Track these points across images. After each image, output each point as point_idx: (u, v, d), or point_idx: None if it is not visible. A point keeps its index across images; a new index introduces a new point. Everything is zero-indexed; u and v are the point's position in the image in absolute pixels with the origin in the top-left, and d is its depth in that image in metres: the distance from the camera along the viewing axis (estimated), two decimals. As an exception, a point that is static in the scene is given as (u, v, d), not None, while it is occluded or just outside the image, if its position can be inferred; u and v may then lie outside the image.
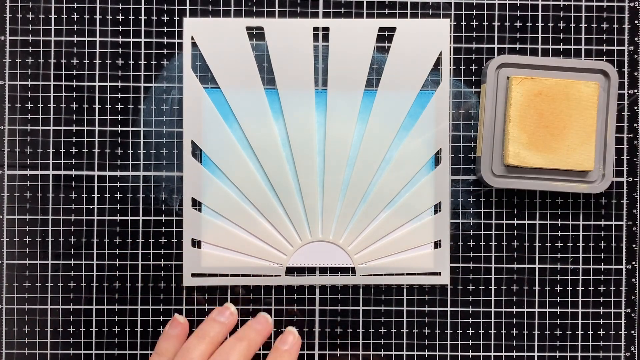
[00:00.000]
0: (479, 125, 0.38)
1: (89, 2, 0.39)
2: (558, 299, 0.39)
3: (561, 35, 0.39)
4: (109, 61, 0.39)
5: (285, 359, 0.36)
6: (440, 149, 0.39)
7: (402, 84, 0.39)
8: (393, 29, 0.39)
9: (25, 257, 0.39)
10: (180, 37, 0.39)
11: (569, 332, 0.39)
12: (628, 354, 0.39)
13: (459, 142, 0.39)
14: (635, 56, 0.39)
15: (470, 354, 0.39)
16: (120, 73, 0.39)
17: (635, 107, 0.39)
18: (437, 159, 0.39)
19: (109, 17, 0.39)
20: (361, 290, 0.39)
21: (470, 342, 0.39)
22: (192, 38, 0.39)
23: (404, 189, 0.39)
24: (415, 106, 0.39)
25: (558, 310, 0.39)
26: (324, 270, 0.39)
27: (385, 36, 0.39)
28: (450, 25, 0.39)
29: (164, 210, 0.39)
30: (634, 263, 0.39)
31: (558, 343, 0.39)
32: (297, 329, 0.39)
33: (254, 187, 0.39)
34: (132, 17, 0.39)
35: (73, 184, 0.39)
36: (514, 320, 0.39)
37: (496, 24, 0.39)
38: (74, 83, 0.39)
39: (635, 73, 0.39)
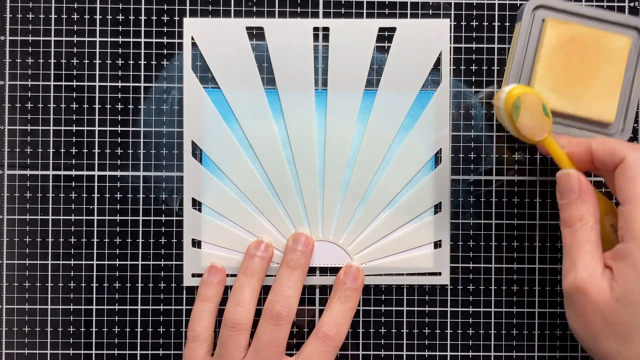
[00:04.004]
0: (507, 64, 0.38)
1: (89, 2, 0.39)
2: (558, 299, 0.39)
3: (561, 35, 0.39)
4: (109, 61, 0.39)
5: (355, 297, 0.37)
6: (441, 149, 0.39)
7: (402, 84, 0.39)
8: (393, 29, 0.39)
9: (25, 257, 0.39)
10: (180, 37, 0.39)
11: (569, 332, 0.39)
12: (628, 354, 0.39)
13: (459, 142, 0.39)
14: None
15: (470, 354, 0.39)
16: (120, 73, 0.39)
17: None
18: (437, 159, 0.39)
19: (109, 17, 0.39)
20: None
21: (470, 342, 0.39)
22: (192, 38, 0.39)
23: (404, 189, 0.39)
24: (415, 106, 0.39)
25: (558, 310, 0.39)
26: (324, 270, 0.39)
27: (385, 36, 0.39)
28: (450, 25, 0.39)
29: (164, 210, 0.39)
30: (634, 263, 0.39)
31: (558, 343, 0.39)
32: (297, 329, 0.39)
33: (254, 187, 0.39)
34: (132, 17, 0.39)
35: (73, 184, 0.39)
36: (514, 320, 0.39)
37: (496, 24, 0.39)
38: (74, 83, 0.39)
39: None
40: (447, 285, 0.39)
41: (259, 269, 0.37)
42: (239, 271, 0.37)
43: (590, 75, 0.36)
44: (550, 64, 0.36)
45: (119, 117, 0.39)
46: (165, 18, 0.39)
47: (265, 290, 0.38)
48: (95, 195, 0.39)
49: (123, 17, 0.39)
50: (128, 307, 0.39)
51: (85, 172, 0.39)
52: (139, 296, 0.39)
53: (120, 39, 0.39)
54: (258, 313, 0.37)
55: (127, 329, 0.39)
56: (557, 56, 0.36)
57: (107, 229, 0.39)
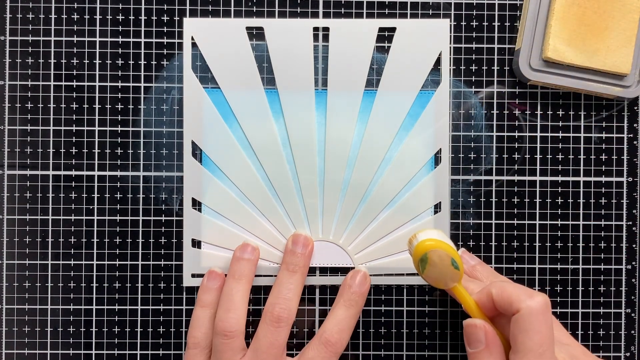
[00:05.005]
0: (521, 18, 0.38)
1: (89, 2, 0.39)
2: (558, 299, 0.39)
3: (561, 35, 0.39)
4: (109, 61, 0.39)
5: (360, 302, 0.37)
6: (440, 149, 0.39)
7: (402, 84, 0.39)
8: (393, 29, 0.39)
9: (25, 257, 0.39)
10: (180, 37, 0.39)
11: (569, 333, 0.39)
12: (628, 354, 0.39)
13: (459, 142, 0.39)
14: None
15: (470, 354, 0.39)
16: (120, 73, 0.39)
17: (635, 107, 0.39)
18: (437, 159, 0.39)
19: (109, 17, 0.39)
20: (361, 290, 0.39)
21: (470, 342, 0.39)
22: (192, 38, 0.39)
23: (404, 189, 0.39)
24: (415, 106, 0.39)
25: (558, 310, 0.39)
26: (324, 270, 0.39)
27: (385, 36, 0.39)
28: (450, 25, 0.39)
29: (164, 210, 0.39)
30: (634, 263, 0.39)
31: (558, 343, 0.39)
32: (297, 329, 0.39)
33: (254, 187, 0.39)
34: (132, 17, 0.39)
35: (73, 184, 0.39)
36: (514, 320, 0.39)
37: (496, 24, 0.39)
38: (74, 83, 0.39)
39: None
40: (447, 285, 0.39)
41: (247, 272, 0.37)
42: (227, 275, 0.37)
43: (605, 27, 0.36)
44: (565, 17, 0.36)
45: (119, 117, 0.39)
46: (165, 18, 0.39)
47: (266, 290, 0.38)
48: (95, 195, 0.39)
49: (123, 17, 0.39)
50: (128, 307, 0.39)
51: (85, 172, 0.39)
52: (139, 296, 0.39)
53: (120, 39, 0.39)
54: (256, 314, 0.37)
55: (127, 329, 0.39)
56: (571, 9, 0.36)
57: (107, 229, 0.39)
